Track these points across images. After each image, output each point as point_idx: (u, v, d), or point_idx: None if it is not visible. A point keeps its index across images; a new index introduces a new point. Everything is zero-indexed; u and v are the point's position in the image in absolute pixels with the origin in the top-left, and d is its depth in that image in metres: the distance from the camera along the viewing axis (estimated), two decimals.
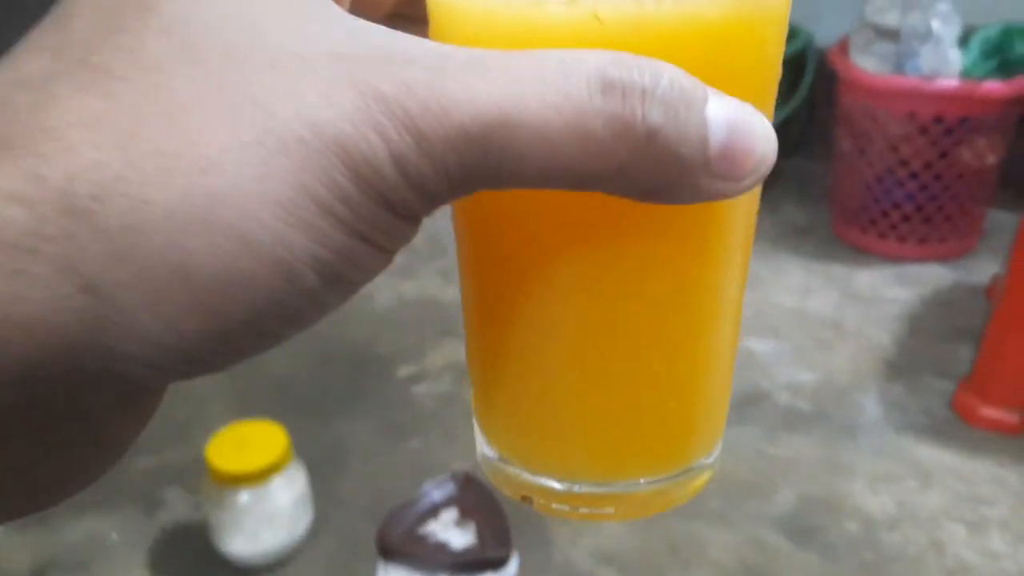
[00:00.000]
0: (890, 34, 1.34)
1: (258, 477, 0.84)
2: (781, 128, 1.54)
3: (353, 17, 0.19)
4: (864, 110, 1.37)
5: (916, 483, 0.96)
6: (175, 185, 0.16)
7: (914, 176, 1.37)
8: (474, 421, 0.28)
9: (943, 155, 1.34)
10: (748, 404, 1.09)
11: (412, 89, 0.17)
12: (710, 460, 0.28)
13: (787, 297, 1.31)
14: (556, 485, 0.26)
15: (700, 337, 0.25)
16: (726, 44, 0.21)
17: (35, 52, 0.18)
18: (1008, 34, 1.29)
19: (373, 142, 0.17)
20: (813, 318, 1.26)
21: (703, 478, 0.28)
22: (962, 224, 1.40)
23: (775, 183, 1.63)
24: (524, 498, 0.27)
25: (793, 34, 1.54)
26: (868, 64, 1.36)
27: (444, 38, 0.23)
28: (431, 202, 0.19)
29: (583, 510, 0.26)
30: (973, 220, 1.42)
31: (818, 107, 1.59)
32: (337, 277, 0.18)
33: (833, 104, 1.45)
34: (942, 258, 1.40)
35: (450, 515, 0.85)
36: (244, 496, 0.85)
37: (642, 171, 0.19)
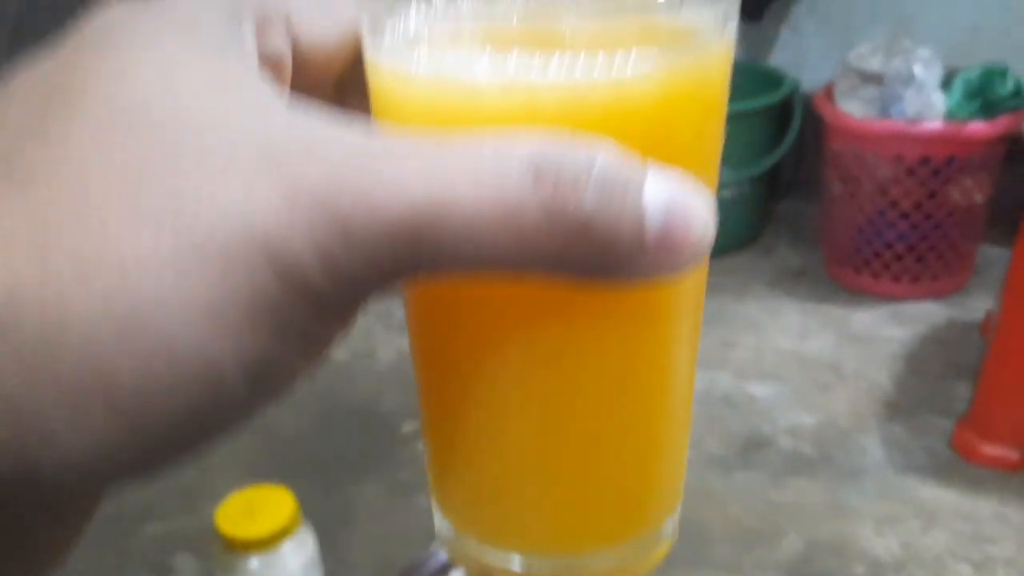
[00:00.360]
0: (874, 78, 1.37)
1: (268, 542, 0.85)
2: (771, 173, 1.57)
3: (279, 96, 0.19)
4: (852, 154, 1.39)
5: (920, 523, 0.97)
6: (94, 293, 0.16)
7: (905, 216, 1.39)
8: (431, 497, 0.28)
9: (932, 195, 1.36)
10: (751, 449, 1.10)
11: (340, 185, 0.17)
12: (668, 531, 0.27)
13: (785, 340, 1.33)
14: (515, 562, 0.26)
15: (652, 412, 0.25)
16: (663, 121, 0.21)
17: None
18: (989, 76, 1.32)
19: (299, 243, 0.17)
20: (812, 360, 1.27)
21: (662, 549, 0.27)
22: (954, 261, 1.42)
23: (766, 227, 1.66)
24: (483, 574, 0.26)
25: (779, 81, 1.57)
26: (854, 108, 1.39)
27: (381, 111, 0.23)
28: (359, 297, 0.18)
29: None
30: (965, 257, 1.44)
31: (807, 151, 1.62)
32: (264, 382, 0.18)
33: (821, 148, 1.48)
34: (936, 295, 1.42)
35: (459, 575, 0.86)
36: (255, 562, 0.85)
37: (578, 258, 0.18)
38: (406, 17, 0.22)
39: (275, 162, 0.17)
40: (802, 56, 1.67)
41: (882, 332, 1.34)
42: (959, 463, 1.05)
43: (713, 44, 0.22)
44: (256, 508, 0.88)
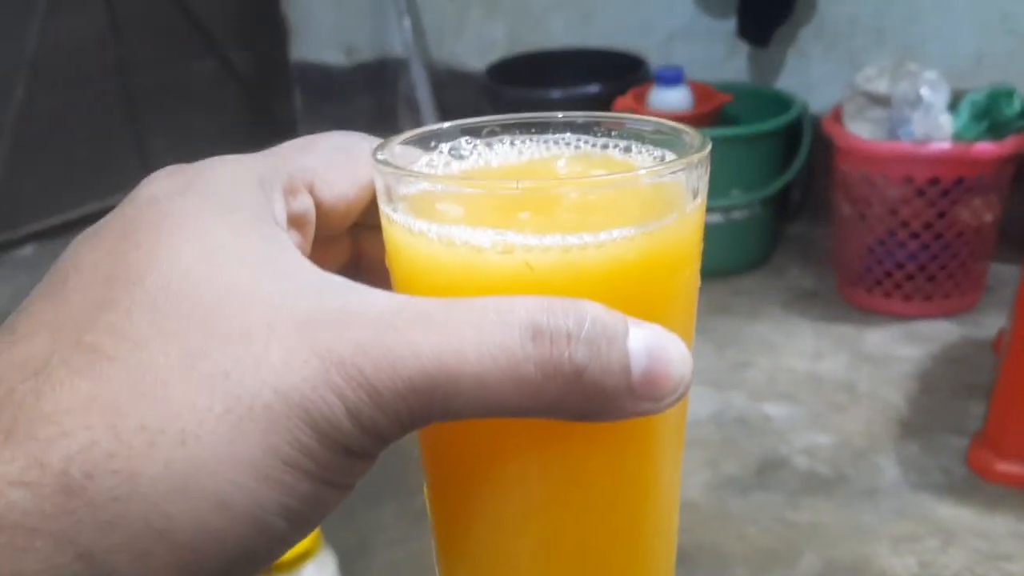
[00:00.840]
0: (881, 101, 1.38)
1: (290, 565, 0.86)
2: (781, 195, 1.58)
3: (310, 268, 0.22)
4: (861, 175, 1.40)
5: (938, 542, 0.97)
6: (158, 457, 0.19)
7: (915, 236, 1.40)
8: None
9: (941, 215, 1.37)
10: (767, 470, 1.11)
11: (365, 350, 0.20)
12: None
13: (799, 361, 1.33)
14: None
15: (641, 524, 0.27)
16: (642, 278, 0.24)
17: (34, 332, 0.20)
18: (995, 97, 1.34)
19: (332, 402, 0.20)
20: (826, 381, 1.28)
21: None
22: (965, 280, 1.43)
23: (777, 248, 1.67)
24: None
25: (787, 104, 1.59)
26: (862, 131, 1.40)
27: (396, 266, 0.26)
28: (385, 443, 0.21)
29: None
30: (976, 275, 1.45)
31: (816, 173, 1.63)
32: (303, 519, 0.21)
33: (830, 170, 1.49)
34: (948, 314, 1.42)
35: None
36: None
37: (573, 402, 0.21)
38: (416, 183, 0.25)
39: (309, 333, 0.20)
40: (809, 79, 1.69)
41: (895, 351, 1.34)
42: (975, 481, 1.05)
43: (686, 211, 0.25)
44: None
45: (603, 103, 1.64)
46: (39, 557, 0.18)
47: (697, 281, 0.26)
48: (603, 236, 0.23)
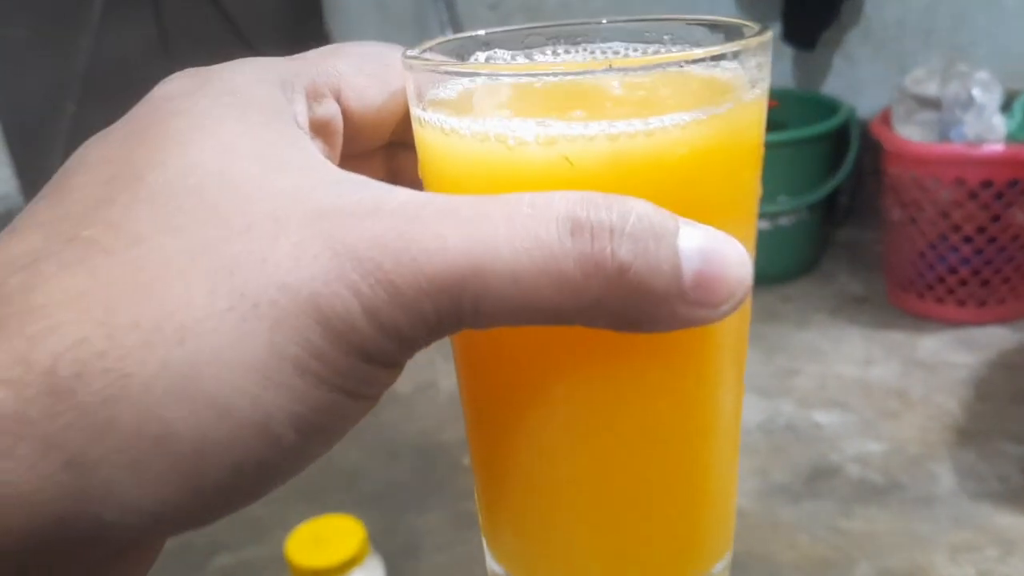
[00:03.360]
0: (931, 103, 1.36)
1: (338, 571, 0.86)
2: (829, 200, 1.56)
3: (327, 164, 0.20)
4: (912, 179, 1.38)
5: (997, 552, 0.94)
6: (154, 357, 0.17)
7: (968, 240, 1.37)
8: (483, 540, 0.28)
9: (995, 218, 1.34)
10: (819, 478, 1.09)
11: (384, 243, 0.18)
12: (718, 571, 0.27)
13: (849, 368, 1.31)
14: None
15: (698, 454, 0.25)
16: (696, 176, 0.21)
17: (29, 229, 0.19)
18: None
19: (346, 299, 0.18)
20: (877, 388, 1.26)
21: None
22: (1021, 285, 1.40)
23: (825, 254, 1.64)
24: None
25: (835, 108, 1.57)
26: (912, 134, 1.38)
27: (428, 172, 0.24)
28: (409, 348, 0.19)
29: None
30: None
31: (864, 177, 1.61)
32: (317, 430, 0.19)
33: (879, 174, 1.47)
34: (1003, 320, 1.39)
35: None
36: None
37: (617, 305, 0.19)
38: (450, 82, 0.23)
39: (321, 225, 0.18)
40: (857, 83, 1.67)
41: (949, 358, 1.31)
42: None
43: (744, 101, 0.22)
44: (325, 537, 0.89)
45: None
46: (22, 464, 0.16)
47: (758, 189, 0.24)
48: (653, 123, 0.21)
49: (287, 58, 0.24)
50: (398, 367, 0.20)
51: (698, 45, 0.25)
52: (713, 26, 0.25)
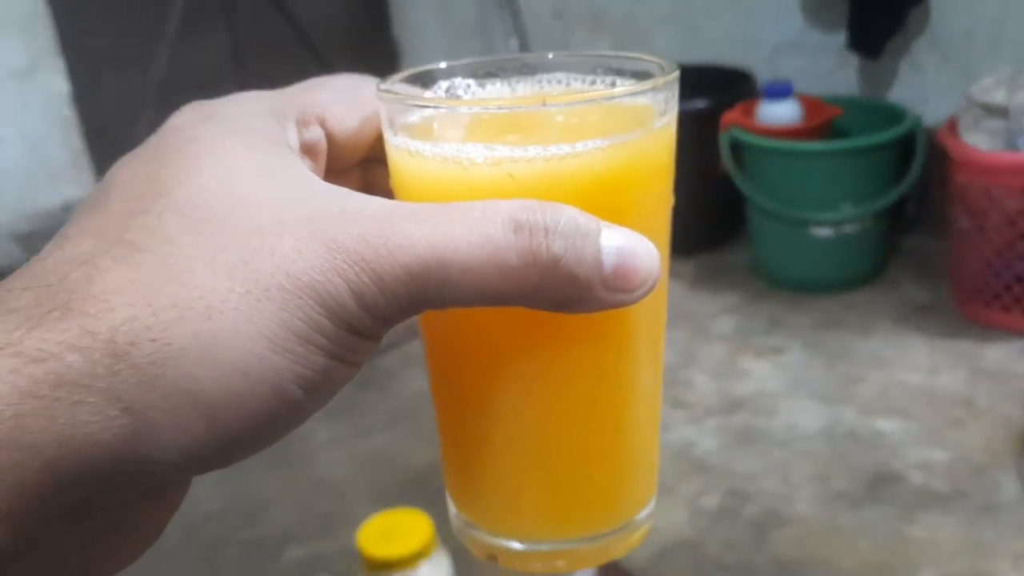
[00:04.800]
0: (999, 111, 1.35)
1: (408, 563, 0.89)
2: (894, 208, 1.55)
3: (316, 179, 0.25)
4: (979, 187, 1.37)
5: None
6: (187, 330, 0.21)
7: None
8: (446, 492, 0.34)
9: None
10: (880, 484, 1.09)
11: (367, 239, 0.23)
12: (642, 518, 0.33)
13: (913, 376, 1.31)
14: (516, 545, 0.32)
15: (621, 414, 0.30)
16: (614, 188, 0.27)
17: (81, 235, 0.24)
18: None
19: (338, 284, 0.22)
20: (942, 396, 1.25)
21: (639, 534, 0.33)
22: None
23: (891, 262, 1.63)
24: (490, 556, 0.32)
25: (901, 116, 1.57)
26: (979, 142, 1.37)
27: (398, 185, 0.29)
28: (387, 324, 0.24)
29: (537, 565, 0.32)
30: None
31: (930, 185, 1.60)
32: (316, 388, 0.23)
33: (945, 182, 1.46)
34: None
35: None
36: None
37: (551, 290, 0.24)
38: (416, 112, 0.28)
39: (316, 226, 0.23)
40: (923, 91, 1.66)
41: (1016, 367, 1.30)
42: None
43: (653, 128, 0.28)
44: (395, 531, 0.92)
45: (710, 118, 1.64)
46: (92, 410, 0.21)
47: (669, 198, 0.29)
48: (579, 146, 0.26)
49: (278, 91, 0.30)
50: (378, 339, 0.24)
51: (624, 75, 0.31)
52: (635, 62, 0.31)
